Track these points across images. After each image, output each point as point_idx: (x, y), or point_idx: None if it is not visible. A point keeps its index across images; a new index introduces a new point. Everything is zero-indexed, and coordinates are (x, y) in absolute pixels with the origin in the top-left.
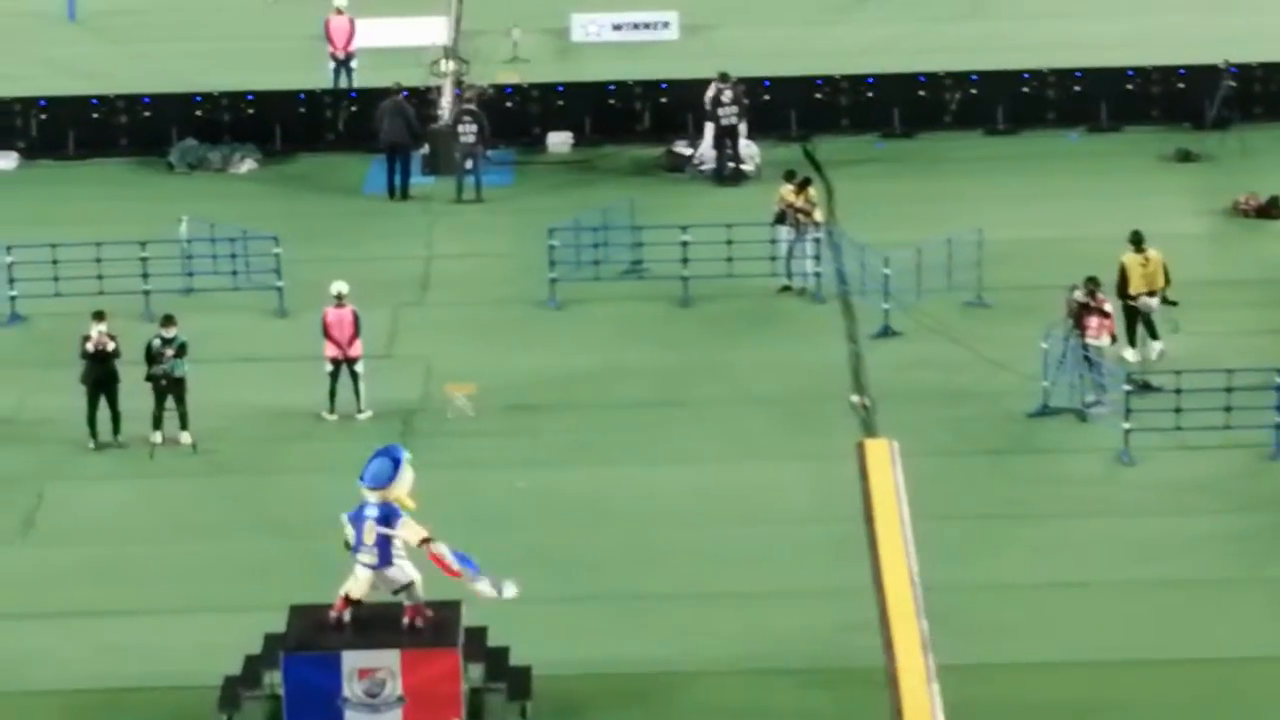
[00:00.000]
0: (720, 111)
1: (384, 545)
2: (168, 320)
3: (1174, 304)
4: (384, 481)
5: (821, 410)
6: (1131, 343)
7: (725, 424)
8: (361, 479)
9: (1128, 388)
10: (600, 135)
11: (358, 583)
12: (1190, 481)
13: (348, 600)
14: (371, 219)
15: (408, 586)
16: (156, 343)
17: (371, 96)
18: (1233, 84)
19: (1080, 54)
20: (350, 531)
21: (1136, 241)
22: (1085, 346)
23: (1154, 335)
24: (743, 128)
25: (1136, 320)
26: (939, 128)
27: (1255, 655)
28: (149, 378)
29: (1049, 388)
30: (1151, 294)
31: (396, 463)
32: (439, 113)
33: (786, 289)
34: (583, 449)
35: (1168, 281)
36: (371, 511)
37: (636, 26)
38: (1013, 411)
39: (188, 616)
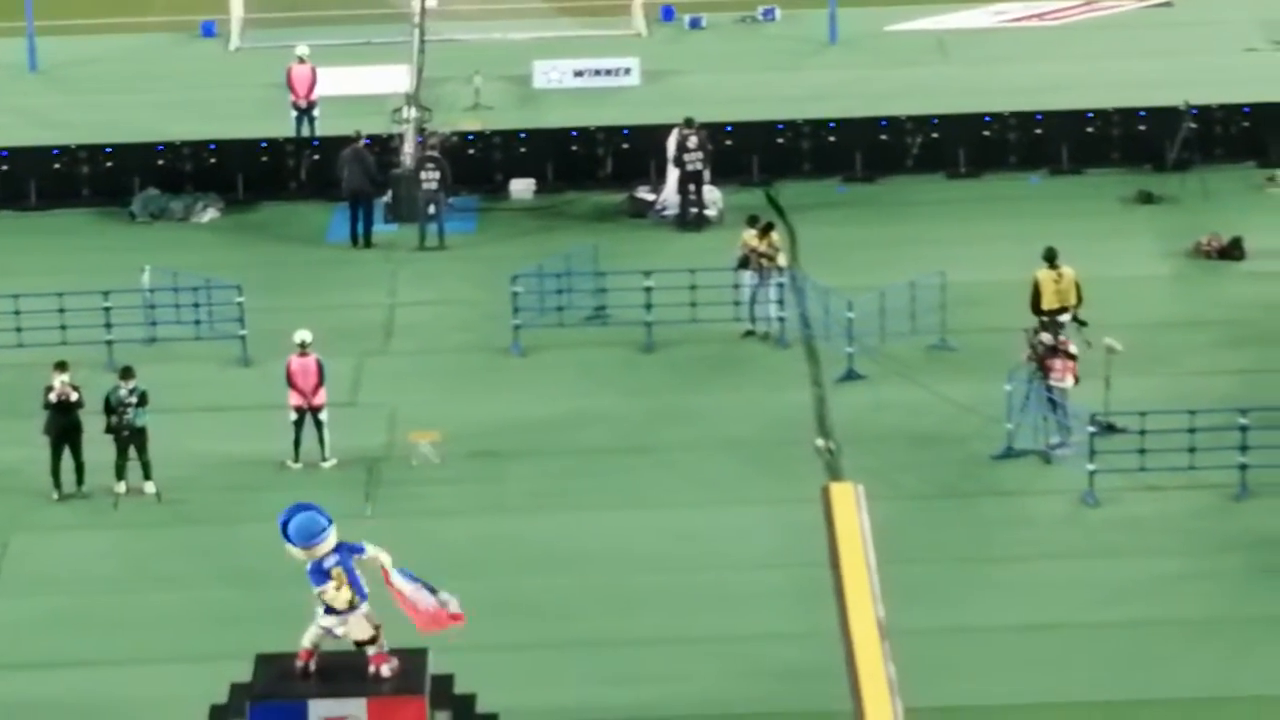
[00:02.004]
0: (685, 157)
1: (356, 580)
2: (127, 372)
3: (1083, 324)
4: (313, 533)
5: (786, 454)
6: None
7: (690, 469)
8: (291, 543)
9: (1092, 429)
10: (563, 182)
11: (352, 626)
12: (1156, 522)
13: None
14: (334, 267)
15: (372, 640)
16: (118, 395)
17: (334, 145)
18: (1193, 125)
19: (1041, 97)
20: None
21: (1050, 258)
22: (1049, 389)
23: None
24: (707, 173)
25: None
26: (901, 171)
27: (1223, 695)
28: (109, 429)
29: (1013, 430)
30: (1063, 310)
31: (313, 513)
32: (402, 159)
33: (750, 334)
34: (549, 495)
35: (1079, 300)
36: (330, 561)
37: (598, 73)
38: (977, 454)
39: (154, 666)
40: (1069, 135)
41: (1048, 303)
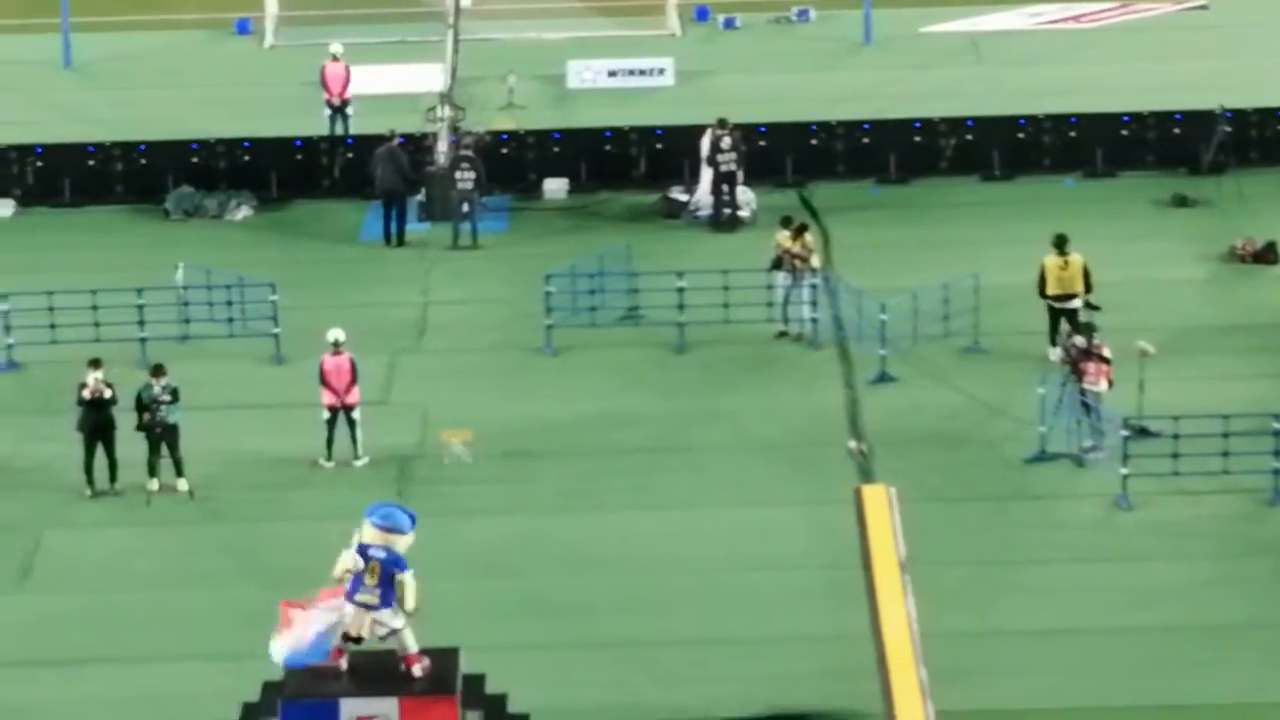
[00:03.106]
0: (719, 158)
1: (388, 588)
2: (158, 370)
3: (1096, 308)
4: (399, 527)
5: (819, 456)
6: (1052, 342)
7: (722, 470)
8: (371, 515)
9: (1125, 433)
10: (596, 181)
11: (357, 624)
12: (1188, 527)
13: (347, 638)
14: (368, 265)
15: (396, 632)
16: (150, 392)
17: (368, 143)
18: (1228, 129)
19: (1075, 100)
20: (351, 564)
21: (1059, 244)
22: (1083, 392)
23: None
24: (740, 174)
25: (1059, 319)
26: (935, 173)
27: (1255, 701)
28: (140, 427)
29: (1046, 433)
30: (1069, 297)
31: (411, 518)
32: (436, 158)
33: (783, 335)
34: (580, 495)
35: (1088, 287)
36: (379, 554)
37: (632, 73)
38: (1010, 457)
39: (185, 664)
40: (1104, 138)
41: (1051, 288)
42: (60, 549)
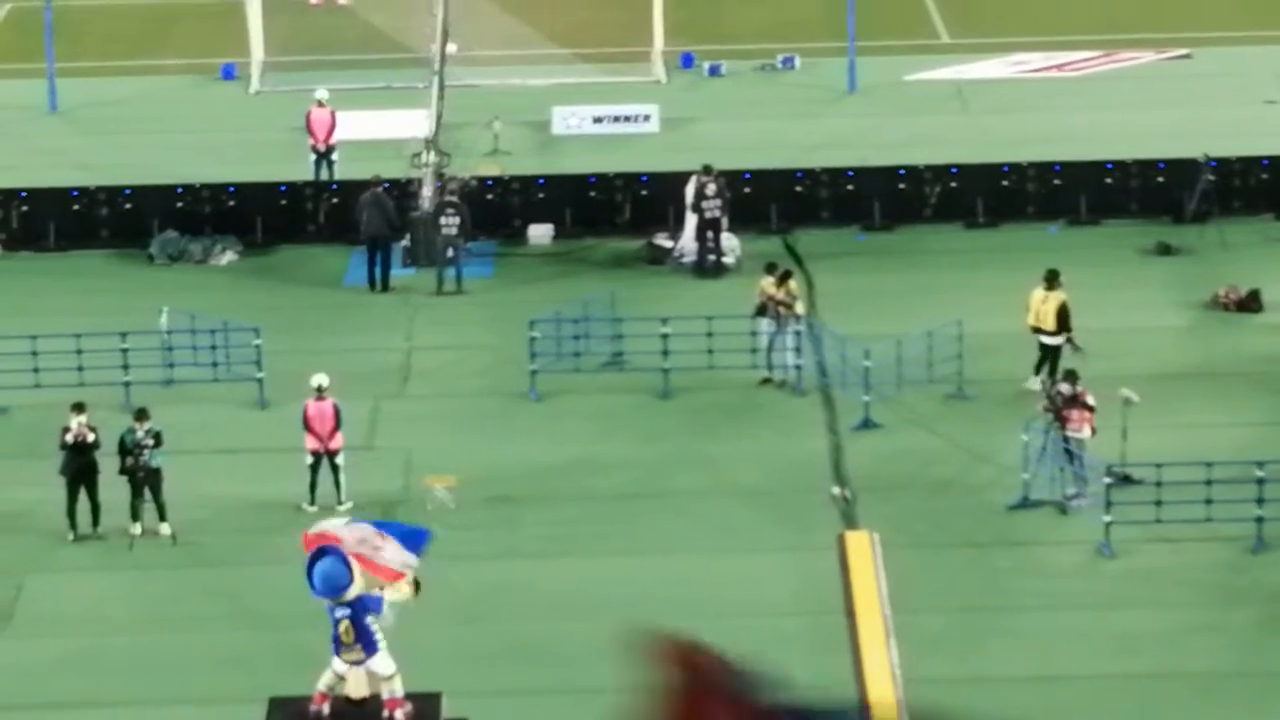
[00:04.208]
0: (704, 204)
1: (366, 636)
2: (141, 414)
3: (1078, 348)
4: (342, 588)
5: (802, 502)
6: (1036, 371)
7: (706, 516)
8: (315, 591)
9: (1108, 480)
10: (581, 227)
11: (355, 682)
12: (1171, 574)
13: (351, 702)
14: (352, 311)
15: (389, 678)
16: (133, 436)
17: (353, 189)
18: (1211, 178)
19: (1059, 148)
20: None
21: (1047, 279)
22: (1066, 439)
23: (1051, 372)
24: (725, 221)
25: (1045, 354)
26: (919, 221)
27: None
28: (124, 471)
29: (1029, 480)
30: (1040, 331)
31: (342, 562)
32: (420, 203)
33: (767, 381)
34: (564, 541)
35: (1063, 326)
36: (343, 611)
37: (617, 119)
38: (993, 504)
39: (168, 709)
40: (1087, 186)
41: (1029, 318)
42: (43, 593)
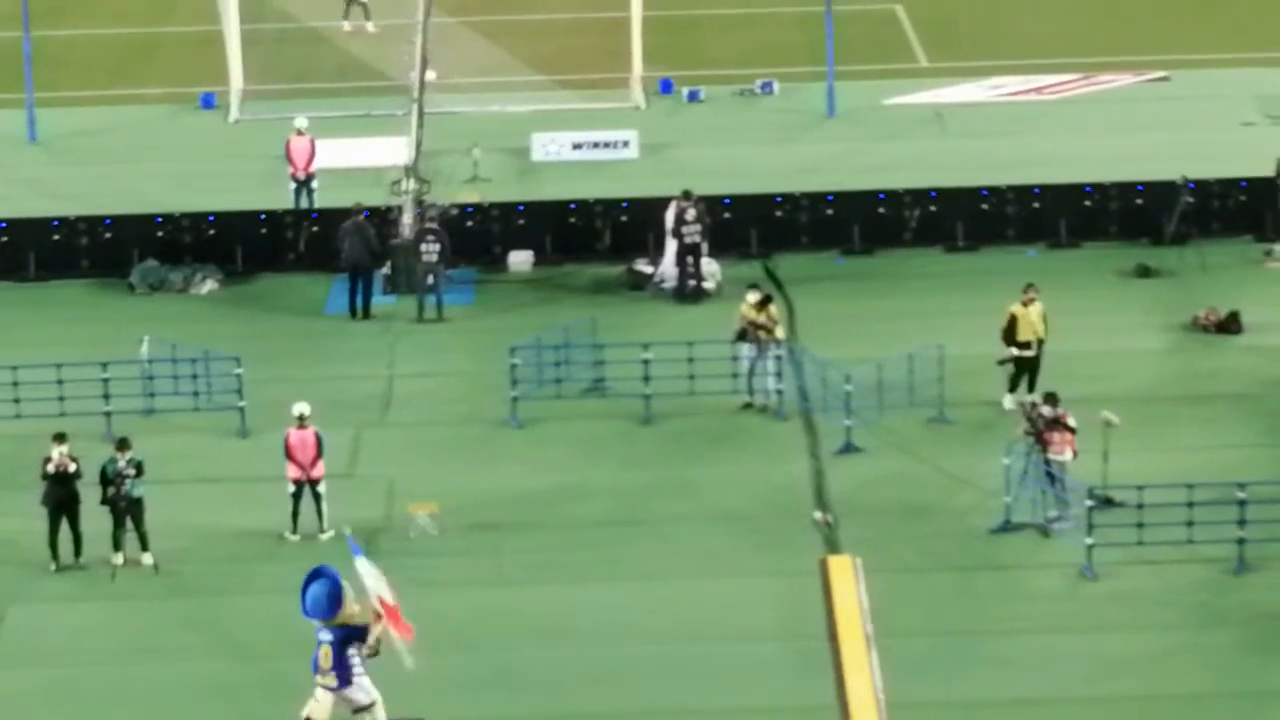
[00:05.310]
0: (684, 230)
1: (343, 666)
2: (123, 443)
3: (1005, 363)
4: (328, 611)
5: (784, 527)
6: (1011, 389)
7: (688, 541)
8: (304, 610)
9: (1090, 503)
10: (561, 254)
11: (319, 706)
12: (1154, 597)
13: None
14: (333, 339)
15: (369, 707)
16: (114, 466)
17: (333, 217)
18: (1190, 199)
19: (1038, 171)
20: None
21: (1026, 291)
22: (1047, 462)
23: (1030, 386)
24: (705, 246)
25: (1022, 367)
26: (899, 244)
27: None
28: (106, 501)
29: (1011, 503)
30: (1024, 345)
31: (334, 586)
32: (400, 231)
33: (748, 406)
34: (546, 568)
35: (1010, 340)
36: (326, 636)
37: (596, 145)
38: (975, 527)
39: None
40: (1067, 209)
41: (1022, 333)
42: (24, 624)
